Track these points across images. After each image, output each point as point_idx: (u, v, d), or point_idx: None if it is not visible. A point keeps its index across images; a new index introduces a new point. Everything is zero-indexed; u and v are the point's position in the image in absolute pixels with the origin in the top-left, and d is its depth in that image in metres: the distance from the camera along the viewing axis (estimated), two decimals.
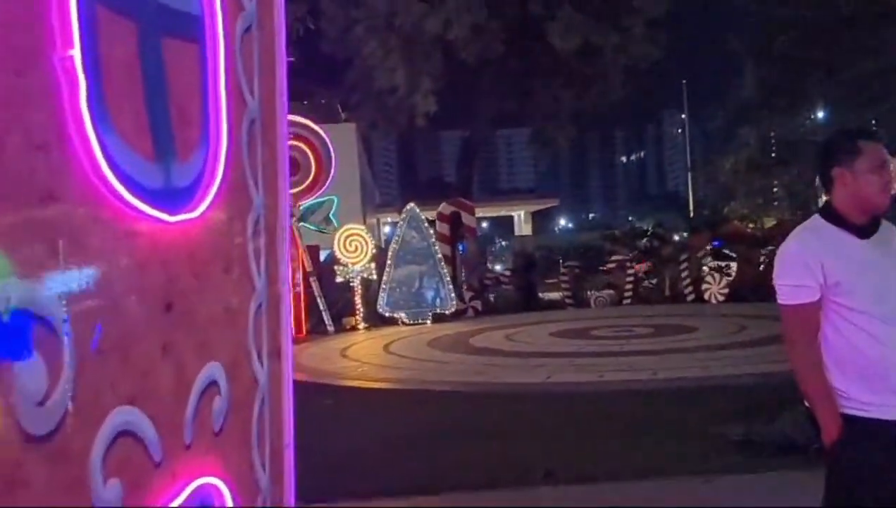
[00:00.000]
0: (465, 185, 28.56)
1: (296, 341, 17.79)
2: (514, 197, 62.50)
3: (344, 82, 27.73)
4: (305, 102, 32.21)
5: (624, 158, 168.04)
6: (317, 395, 10.20)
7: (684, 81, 58.06)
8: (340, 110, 32.38)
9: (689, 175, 55.20)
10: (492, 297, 22.25)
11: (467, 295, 21.05)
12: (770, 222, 27.55)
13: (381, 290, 19.75)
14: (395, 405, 9.32)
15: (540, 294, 23.17)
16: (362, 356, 13.83)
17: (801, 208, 28.00)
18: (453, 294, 19.84)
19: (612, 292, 21.69)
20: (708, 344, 12.62)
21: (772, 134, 29.66)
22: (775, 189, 31.02)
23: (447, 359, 12.87)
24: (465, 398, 9.50)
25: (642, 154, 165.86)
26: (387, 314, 19.66)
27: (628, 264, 21.49)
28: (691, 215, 38.34)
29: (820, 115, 31.76)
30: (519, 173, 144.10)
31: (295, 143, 19.39)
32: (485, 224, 51.87)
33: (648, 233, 22.55)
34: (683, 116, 66.03)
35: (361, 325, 19.21)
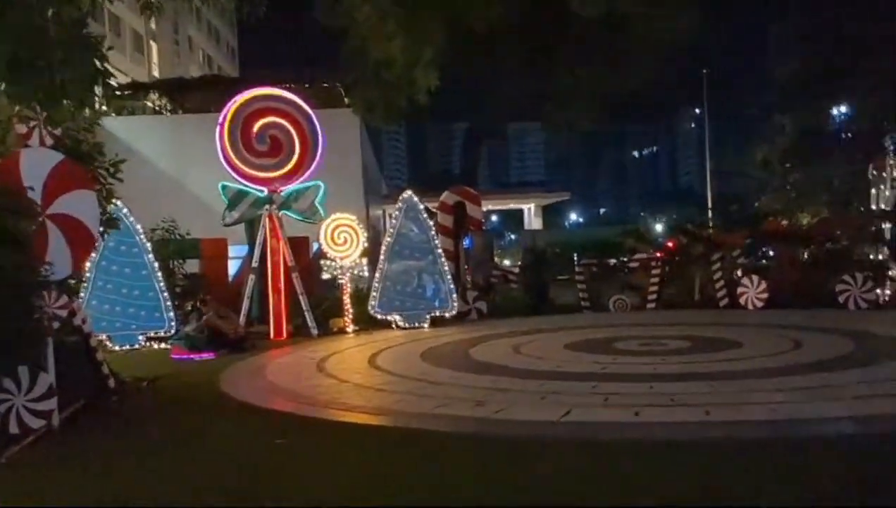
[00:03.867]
0: (470, 174, 26.10)
1: (274, 345, 15.53)
2: (523, 190, 60.02)
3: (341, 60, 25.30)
4: (308, 86, 29.88)
5: (636, 153, 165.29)
6: (268, 430, 7.89)
7: (705, 71, 55.34)
8: (344, 95, 30.11)
9: (708, 168, 52.52)
10: (498, 298, 19.86)
11: (471, 295, 18.71)
12: (805, 219, 25.00)
13: (373, 288, 17.41)
14: (359, 454, 6.96)
15: (552, 296, 20.76)
16: (341, 372, 11.46)
17: (843, 203, 25.51)
18: (455, 294, 17.48)
19: (634, 294, 19.32)
20: (765, 367, 10.19)
21: (811, 123, 27.20)
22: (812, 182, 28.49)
23: (441, 378, 10.50)
24: (454, 444, 7.14)
25: (655, 149, 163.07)
26: (379, 317, 17.32)
27: (653, 263, 19.09)
28: (710, 210, 35.90)
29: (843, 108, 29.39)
30: (529, 166, 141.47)
31: (277, 119, 17.09)
32: (493, 218, 49.55)
33: (678, 230, 20.12)
34: (698, 110, 63.42)
35: (350, 328, 16.91)
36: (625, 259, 20.79)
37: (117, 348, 15.05)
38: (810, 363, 10.39)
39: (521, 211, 48.85)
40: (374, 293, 17.31)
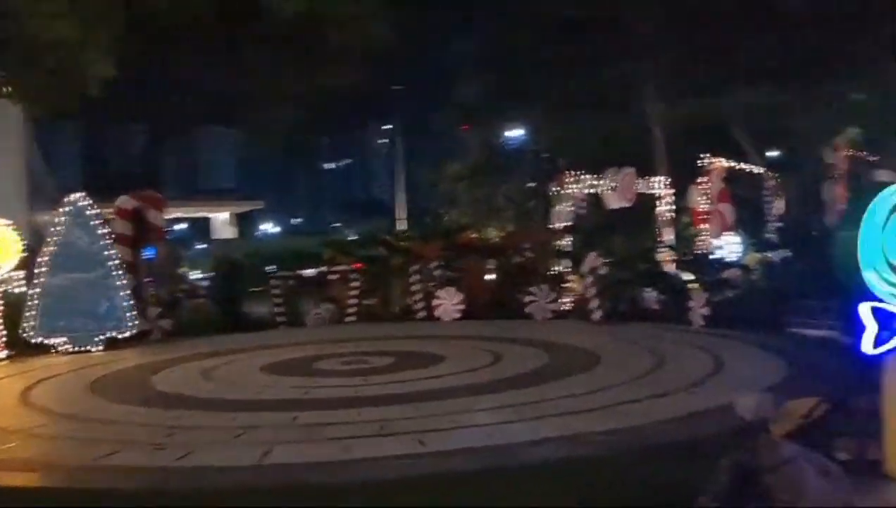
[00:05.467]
0: (154, 177, 23.78)
1: None
2: (215, 197, 57.20)
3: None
4: None
5: (331, 164, 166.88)
6: None
7: (397, 88, 56.88)
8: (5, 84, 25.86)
9: (400, 181, 53.92)
10: (185, 314, 18.04)
11: (153, 312, 16.75)
12: (493, 233, 26.21)
13: (28, 306, 14.81)
14: None
15: (246, 310, 19.37)
16: None
17: (525, 217, 27.17)
18: (133, 311, 15.44)
19: (332, 307, 18.62)
20: (471, 383, 9.94)
21: (497, 140, 28.73)
22: (498, 198, 30.12)
23: (114, 416, 8.86)
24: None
25: (350, 160, 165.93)
26: (38, 340, 14.76)
27: (352, 275, 18.56)
28: (404, 221, 36.72)
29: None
30: (220, 172, 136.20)
31: None
32: (181, 226, 46.60)
33: (378, 241, 19.83)
34: (390, 126, 65.34)
35: (2, 354, 14.23)
36: (323, 270, 20.04)
37: None
38: (513, 376, 10.35)
39: (211, 219, 46.40)
40: (32, 312, 14.74)
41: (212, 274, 21.33)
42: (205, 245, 41.52)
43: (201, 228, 49.71)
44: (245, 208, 47.76)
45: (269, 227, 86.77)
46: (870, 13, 24.10)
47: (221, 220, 44.03)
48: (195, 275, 24.97)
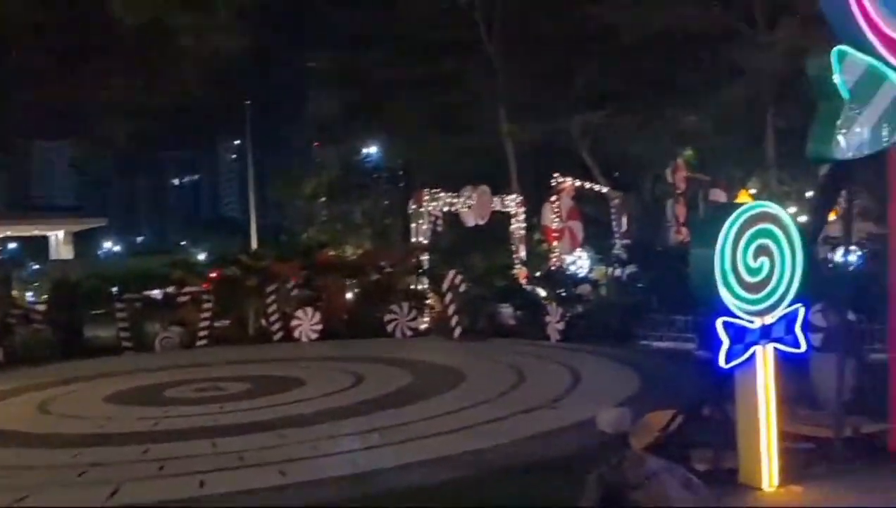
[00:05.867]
0: None
1: None
2: (51, 215, 53.54)
3: None
4: None
5: (177, 180, 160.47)
6: None
7: (248, 102, 55.45)
8: None
9: (252, 199, 52.42)
10: (19, 341, 16.66)
11: None
12: (351, 251, 25.95)
13: None
14: None
15: (88, 335, 18.12)
16: None
17: (384, 235, 27.06)
18: None
19: (182, 330, 17.74)
20: (332, 407, 9.68)
21: (354, 157, 28.56)
22: (355, 215, 29.81)
23: None
24: None
25: (197, 176, 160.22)
26: None
27: (204, 296, 17.77)
28: (254, 241, 35.78)
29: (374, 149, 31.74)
30: (57, 189, 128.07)
31: None
32: (11, 245, 43.35)
33: (231, 261, 19.08)
34: (239, 142, 63.58)
35: None
36: (171, 292, 19.05)
37: None
38: (376, 398, 10.18)
39: (47, 238, 43.37)
40: None
41: (48, 297, 19.86)
42: (40, 266, 38.72)
43: (39, 247, 46.35)
44: (85, 225, 44.89)
45: (112, 246, 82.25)
46: (699, 42, 25.86)
47: (61, 239, 41.22)
48: (30, 298, 23.23)
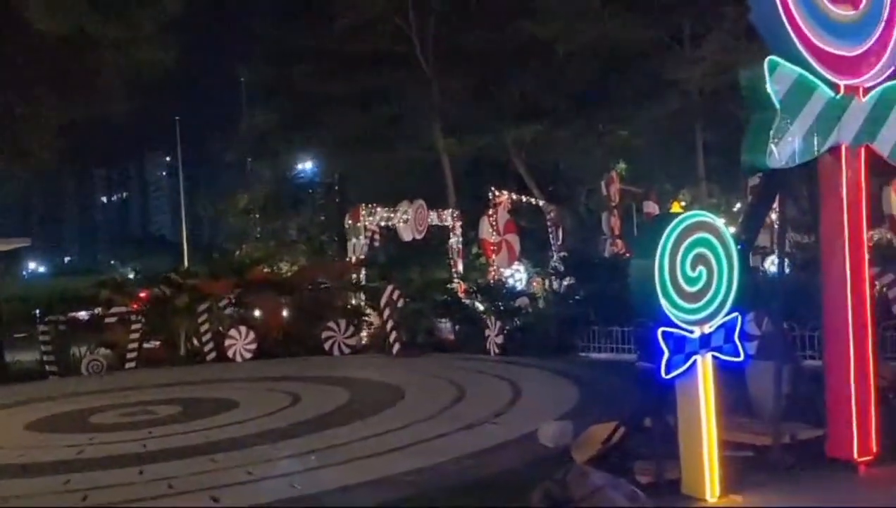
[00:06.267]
0: None
1: None
2: None
3: None
4: None
5: (105, 198, 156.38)
6: None
7: (177, 118, 54.40)
8: None
9: (183, 215, 51.39)
10: None
11: None
12: (286, 267, 25.54)
13: None
14: None
15: (8, 359, 17.36)
16: None
17: (319, 251, 26.69)
18: None
19: (110, 352, 17.13)
20: (268, 429, 9.38)
21: (288, 173, 28.18)
22: (289, 231, 29.36)
23: None
24: None
25: (125, 194, 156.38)
26: None
27: (133, 317, 17.19)
28: (185, 259, 35.07)
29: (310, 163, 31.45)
30: None
31: None
32: None
33: (161, 279, 18.51)
34: (168, 158, 62.13)
35: None
36: (99, 312, 18.39)
37: None
38: (314, 418, 9.91)
39: None
40: None
41: None
42: None
43: None
44: (7, 246, 43.22)
45: (37, 266, 79.50)
46: (630, 57, 26.38)
47: None
48: None
